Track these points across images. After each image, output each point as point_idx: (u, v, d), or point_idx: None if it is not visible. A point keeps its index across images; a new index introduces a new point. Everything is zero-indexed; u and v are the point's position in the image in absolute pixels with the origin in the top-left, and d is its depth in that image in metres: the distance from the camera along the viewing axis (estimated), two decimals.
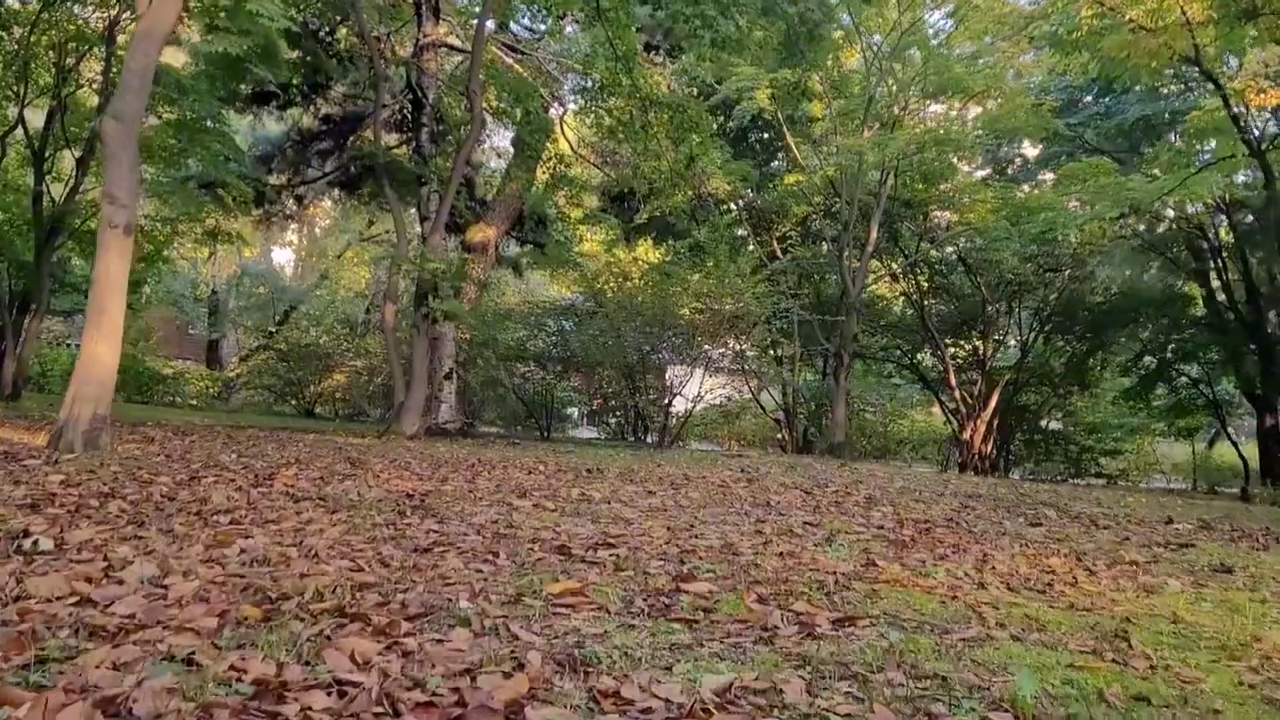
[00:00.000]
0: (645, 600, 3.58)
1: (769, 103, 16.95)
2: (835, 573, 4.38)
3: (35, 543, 3.82)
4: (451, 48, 16.24)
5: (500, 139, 26.68)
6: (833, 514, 6.64)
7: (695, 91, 15.51)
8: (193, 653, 2.38)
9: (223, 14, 9.75)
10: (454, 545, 4.55)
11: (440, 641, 2.68)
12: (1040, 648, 3.07)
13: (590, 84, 13.74)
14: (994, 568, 4.83)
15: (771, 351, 21.90)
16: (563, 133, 17.85)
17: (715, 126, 14.49)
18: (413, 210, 16.37)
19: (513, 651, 2.59)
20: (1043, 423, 24.94)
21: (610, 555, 4.45)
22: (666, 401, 17.57)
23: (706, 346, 20.11)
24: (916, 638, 3.09)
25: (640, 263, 23.66)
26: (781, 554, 4.82)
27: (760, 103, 16.82)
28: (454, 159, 12.53)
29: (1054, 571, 4.81)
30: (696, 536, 5.32)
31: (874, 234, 18.57)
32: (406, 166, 12.51)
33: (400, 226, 12.56)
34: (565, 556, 4.42)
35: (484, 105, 12.51)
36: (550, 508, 6.04)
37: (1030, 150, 23.87)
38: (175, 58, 21.04)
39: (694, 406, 18.42)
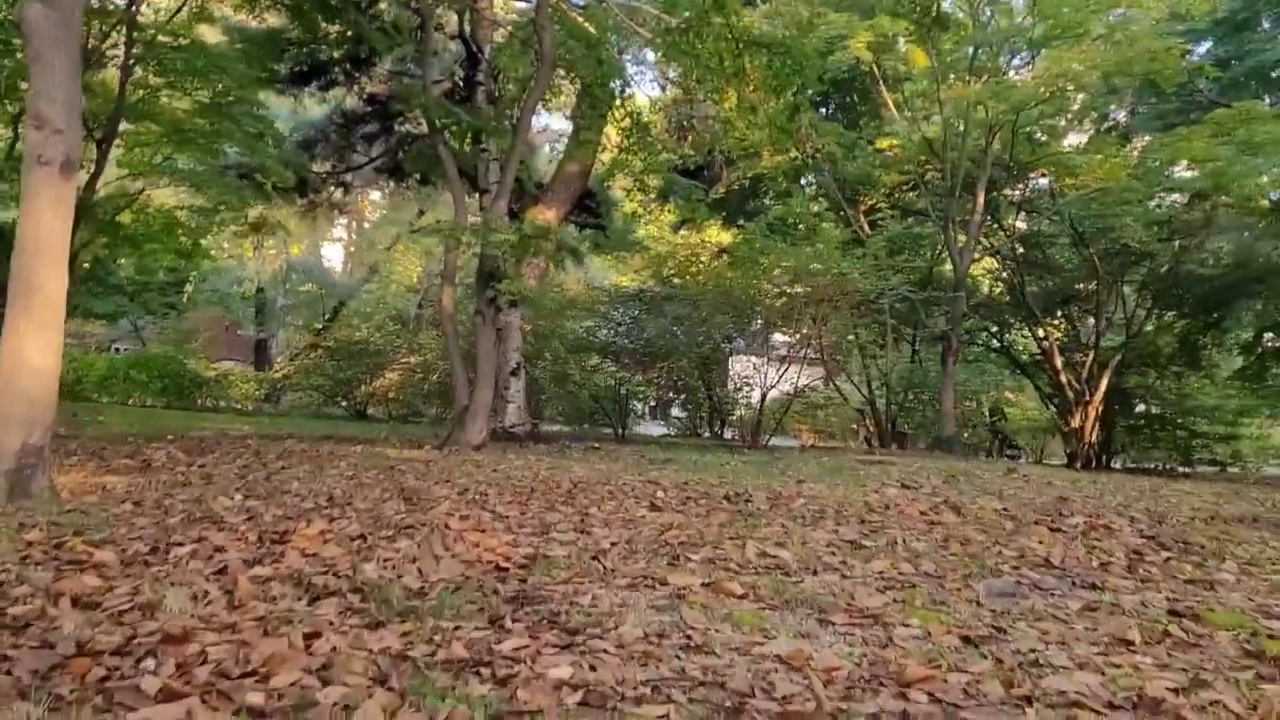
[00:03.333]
0: None
1: (866, 52, 14.22)
2: None
3: None
4: None
5: (550, 121, 24.25)
6: (1162, 580, 4.01)
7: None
8: None
9: None
10: None
11: None
12: None
13: (675, 25, 11.08)
14: None
15: (854, 336, 19.13)
16: (623, 104, 15.21)
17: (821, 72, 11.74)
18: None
19: None
20: (1144, 407, 21.98)
21: None
22: (761, 395, 14.90)
23: (782, 334, 17.51)
24: None
25: (709, 245, 21.04)
26: None
27: (857, 52, 14.09)
28: (523, 106, 10.00)
29: None
30: (1040, 664, 2.75)
31: (980, 201, 15.78)
32: (464, 118, 9.93)
33: (457, 192, 10.02)
34: None
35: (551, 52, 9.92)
36: (736, 591, 3.47)
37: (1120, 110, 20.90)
38: (210, 36, 18.70)
39: (791, 399, 15.72)
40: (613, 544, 4.27)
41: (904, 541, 4.56)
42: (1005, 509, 6.03)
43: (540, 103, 11.67)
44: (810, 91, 11.42)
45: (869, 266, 13.73)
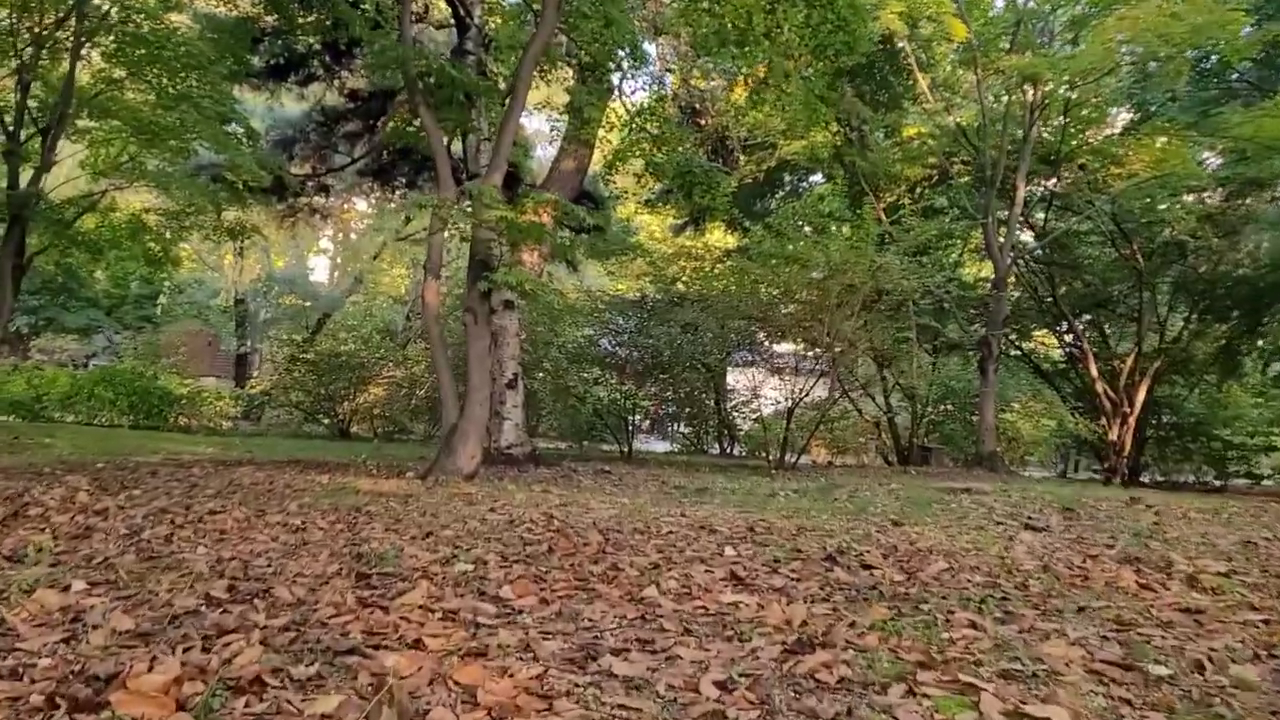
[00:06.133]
0: None
1: (899, 24, 12.30)
2: None
3: None
4: None
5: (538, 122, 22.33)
6: None
7: None
8: None
9: None
10: None
11: None
12: None
13: None
14: None
15: (870, 343, 17.12)
16: (620, 97, 13.29)
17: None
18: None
19: None
20: (1172, 417, 20.08)
21: None
22: (789, 409, 12.87)
23: (795, 343, 15.51)
24: None
25: (714, 248, 19.10)
26: None
27: (888, 23, 12.17)
28: (520, 61, 8.00)
29: None
30: None
31: (1021, 194, 13.89)
32: (450, 74, 7.86)
33: (441, 163, 7.94)
34: None
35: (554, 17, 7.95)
36: None
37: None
38: (178, 24, 16.69)
39: (821, 415, 13.70)
40: (721, 688, 2.25)
41: (1211, 662, 2.56)
42: (1232, 572, 4.04)
43: (538, 66, 9.59)
44: (861, 43, 9.33)
45: (907, 263, 11.78)
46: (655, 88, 15.50)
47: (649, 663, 2.42)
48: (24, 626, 2.46)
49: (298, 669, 2.24)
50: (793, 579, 3.65)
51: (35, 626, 2.48)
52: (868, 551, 4.26)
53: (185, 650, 2.31)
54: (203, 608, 2.77)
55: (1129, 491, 10.26)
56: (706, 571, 3.73)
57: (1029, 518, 6.01)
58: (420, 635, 2.58)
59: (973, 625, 2.88)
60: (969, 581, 3.63)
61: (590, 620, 2.87)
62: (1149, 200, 14.27)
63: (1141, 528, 5.66)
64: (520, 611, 2.97)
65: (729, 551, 4.24)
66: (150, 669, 2.13)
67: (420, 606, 2.92)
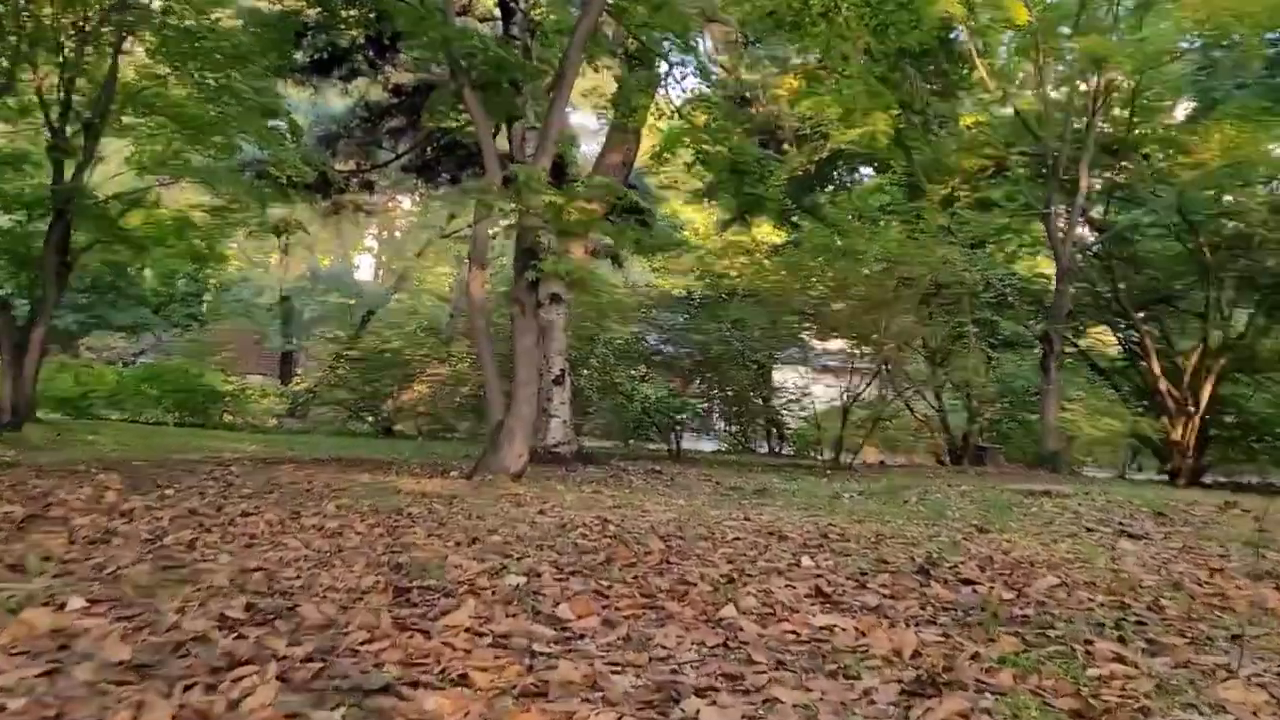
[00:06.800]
0: None
1: (958, 6, 11.70)
2: None
3: None
4: None
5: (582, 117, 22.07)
6: None
7: None
8: None
9: None
10: None
11: None
12: None
13: None
14: None
15: (923, 341, 16.44)
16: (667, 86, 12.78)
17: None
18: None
19: None
20: (1234, 417, 19.15)
21: None
22: (844, 408, 12.34)
23: (847, 339, 14.96)
24: None
25: (762, 244, 18.54)
26: None
27: (947, 6, 11.57)
28: (569, 44, 7.58)
29: None
30: None
31: (1084, 184, 13.22)
32: (497, 54, 7.43)
33: (486, 145, 7.56)
34: None
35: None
36: None
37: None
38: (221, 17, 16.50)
39: (879, 414, 13.16)
40: None
41: None
42: None
43: (586, 49, 9.12)
44: (917, 35, 8.82)
45: (967, 257, 11.22)
46: (705, 74, 15.04)
47: (743, 707, 1.98)
48: (0, 656, 2.08)
49: (319, 714, 1.83)
50: (886, 596, 3.19)
51: (13, 655, 2.09)
52: (962, 563, 3.79)
53: (186, 689, 1.90)
54: (215, 631, 2.38)
55: (1206, 494, 9.62)
56: (787, 586, 3.28)
57: (1121, 524, 5.49)
58: (466, 668, 2.16)
59: (1119, 659, 2.40)
60: (1090, 601, 3.15)
61: (664, 648, 2.44)
62: (1216, 190, 13.54)
63: (1248, 535, 5.11)
64: (581, 636, 2.54)
65: (806, 562, 3.78)
66: (136, 717, 1.72)
67: (466, 629, 2.51)
